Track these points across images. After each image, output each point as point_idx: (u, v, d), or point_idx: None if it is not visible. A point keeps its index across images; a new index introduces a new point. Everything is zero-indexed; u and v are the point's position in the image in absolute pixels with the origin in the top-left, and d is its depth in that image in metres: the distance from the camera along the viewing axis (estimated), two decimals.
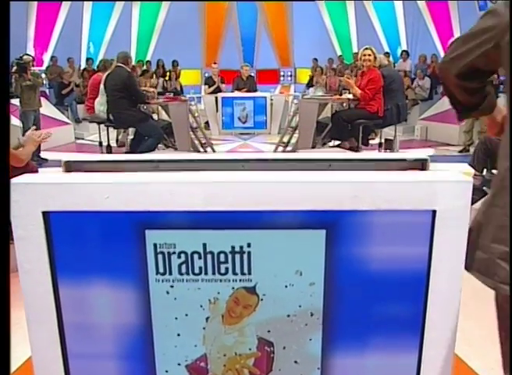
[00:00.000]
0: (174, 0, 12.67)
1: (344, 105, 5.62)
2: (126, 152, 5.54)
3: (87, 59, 11.47)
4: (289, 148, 6.01)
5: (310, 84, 12.65)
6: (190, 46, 13.49)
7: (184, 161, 1.22)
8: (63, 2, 11.54)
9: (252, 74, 9.44)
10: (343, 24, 12.96)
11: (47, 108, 8.88)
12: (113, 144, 6.36)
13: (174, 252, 1.01)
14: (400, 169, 1.21)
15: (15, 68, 6.56)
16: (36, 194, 0.97)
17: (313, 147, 5.78)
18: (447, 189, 0.94)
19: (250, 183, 0.95)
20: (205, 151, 5.90)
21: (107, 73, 5.59)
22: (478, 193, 4.19)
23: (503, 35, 1.12)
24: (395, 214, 0.97)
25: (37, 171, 3.09)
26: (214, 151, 5.85)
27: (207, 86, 8.64)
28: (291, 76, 14.10)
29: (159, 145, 5.80)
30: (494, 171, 4.17)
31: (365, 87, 5.18)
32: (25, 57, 6.88)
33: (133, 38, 12.95)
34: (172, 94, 5.94)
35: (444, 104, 9.62)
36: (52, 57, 11.03)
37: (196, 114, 8.04)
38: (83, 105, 8.54)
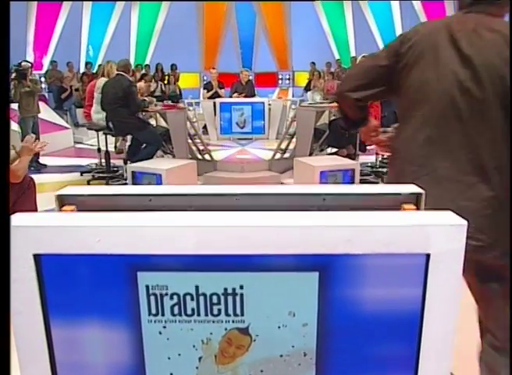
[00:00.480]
0: (173, 0, 12.64)
1: None
2: (124, 160, 5.54)
3: (86, 63, 11.47)
4: (286, 155, 6.01)
5: (308, 88, 12.67)
6: (189, 50, 13.50)
7: (177, 195, 1.21)
8: (62, 6, 11.54)
9: (251, 79, 9.43)
10: (341, 28, 12.98)
11: (46, 113, 8.88)
12: (111, 145, 6.36)
13: (166, 294, 1.00)
14: (395, 203, 1.20)
15: (14, 74, 6.56)
16: (27, 237, 0.96)
17: (310, 154, 5.79)
18: (441, 233, 0.93)
19: (242, 227, 0.94)
20: (203, 158, 5.90)
21: (106, 81, 5.58)
22: None
23: (395, 69, 1.50)
24: (389, 257, 0.96)
25: (34, 185, 3.08)
26: (212, 158, 5.85)
27: (205, 91, 8.66)
28: (289, 79, 14.14)
29: (158, 151, 5.81)
30: None
31: None
32: (24, 63, 6.88)
33: (132, 42, 12.96)
34: (169, 102, 5.90)
35: None
36: (52, 62, 11.04)
37: (194, 119, 8.05)
38: (82, 109, 8.53)
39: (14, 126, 6.99)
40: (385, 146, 1.70)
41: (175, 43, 13.28)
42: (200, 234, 0.94)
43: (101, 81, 5.77)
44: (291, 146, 6.06)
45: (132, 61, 12.90)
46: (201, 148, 5.86)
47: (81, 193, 1.22)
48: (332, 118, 5.92)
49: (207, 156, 5.87)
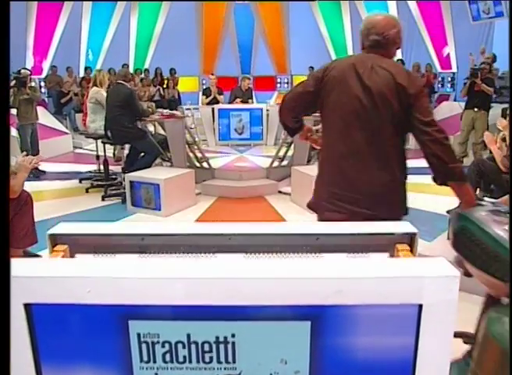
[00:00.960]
0: (173, 0, 12.60)
1: None
2: (122, 168, 5.52)
3: (86, 68, 11.44)
4: (284, 163, 6.00)
5: None
6: (188, 54, 13.47)
7: (169, 235, 1.19)
8: (62, 10, 11.48)
9: (251, 87, 9.41)
10: (339, 32, 12.96)
11: (45, 118, 8.86)
12: (110, 150, 6.34)
13: (158, 342, 0.99)
14: (388, 243, 1.19)
15: (14, 82, 6.54)
16: (17, 287, 0.95)
17: (308, 161, 5.77)
18: (434, 284, 0.92)
19: (233, 279, 0.93)
20: (201, 166, 5.88)
21: (107, 90, 5.57)
22: None
23: (319, 93, 2.07)
24: (380, 307, 0.94)
25: (31, 200, 3.06)
26: (210, 166, 5.83)
27: (204, 97, 8.64)
28: (288, 83, 14.11)
29: (156, 159, 5.80)
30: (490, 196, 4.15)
31: None
32: (23, 71, 6.87)
33: (132, 46, 12.92)
34: (168, 110, 5.88)
35: (437, 114, 9.60)
36: (52, 66, 11.00)
37: (192, 125, 8.03)
38: (82, 113, 8.51)
39: (13, 132, 6.98)
40: (317, 142, 2.31)
41: (174, 47, 13.24)
42: (191, 286, 0.93)
43: (94, 91, 5.75)
44: (289, 153, 6.05)
45: (131, 65, 12.90)
46: (199, 155, 5.84)
47: (74, 232, 1.21)
48: None
49: (205, 164, 5.85)
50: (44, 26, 11.33)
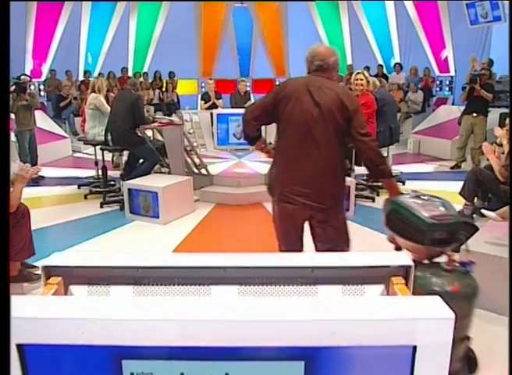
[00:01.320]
0: (173, 0, 12.56)
1: None
2: (121, 175, 5.51)
3: (85, 72, 11.41)
4: None
5: None
6: (187, 56, 13.42)
7: (164, 267, 1.18)
8: (61, 13, 11.44)
9: (249, 90, 9.39)
10: (337, 36, 12.93)
11: (44, 122, 8.84)
12: (109, 155, 6.32)
13: None
14: (384, 275, 1.18)
15: (13, 87, 6.53)
16: (10, 327, 0.94)
17: None
18: (428, 326, 0.92)
19: (228, 321, 0.92)
20: (200, 173, 5.87)
21: (115, 95, 5.58)
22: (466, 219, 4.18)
23: (277, 106, 2.50)
24: (375, 348, 0.94)
25: (28, 213, 3.05)
26: (208, 172, 5.81)
27: (203, 101, 8.60)
28: None
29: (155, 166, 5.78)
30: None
31: None
32: (22, 77, 6.87)
33: (131, 49, 12.88)
34: (167, 117, 5.86)
35: (435, 118, 9.63)
36: (51, 70, 10.95)
37: (191, 130, 8.01)
38: (80, 118, 8.47)
39: (11, 137, 6.98)
40: (270, 153, 2.73)
41: (173, 50, 13.20)
42: (185, 328, 0.92)
43: (92, 97, 5.73)
44: None
45: (130, 68, 12.87)
46: (198, 162, 5.83)
47: (68, 264, 1.20)
48: None
49: (203, 171, 5.84)
50: (43, 29, 11.28)
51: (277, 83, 14.21)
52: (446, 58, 11.45)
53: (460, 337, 2.07)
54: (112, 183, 6.16)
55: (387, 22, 12.02)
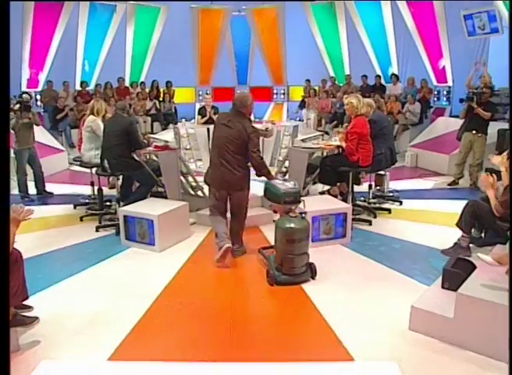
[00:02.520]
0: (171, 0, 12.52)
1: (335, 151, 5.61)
2: (117, 199, 5.47)
3: (81, 83, 11.37)
4: None
5: (302, 105, 12.62)
6: (185, 64, 13.43)
7: None
8: (58, 22, 11.38)
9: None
10: (335, 45, 12.91)
11: (42, 135, 8.80)
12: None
13: None
14: None
15: (17, 106, 6.53)
16: None
17: (303, 188, 5.73)
18: None
19: None
20: (196, 195, 5.85)
21: (107, 120, 5.54)
22: (464, 252, 4.16)
23: (213, 131, 4.64)
24: None
25: (21, 257, 3.02)
26: (204, 194, 5.79)
27: (200, 116, 8.55)
28: (284, 93, 14.09)
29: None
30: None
31: (348, 138, 5.18)
32: (25, 96, 6.91)
33: (128, 57, 12.87)
34: (161, 142, 5.83)
35: (433, 130, 9.60)
36: (48, 81, 10.90)
37: (188, 146, 7.97)
38: (78, 129, 8.44)
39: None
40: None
41: (170, 58, 13.17)
42: None
43: (90, 119, 5.68)
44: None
45: (127, 77, 12.83)
46: (194, 184, 5.80)
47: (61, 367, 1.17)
48: (326, 155, 5.89)
49: (199, 193, 5.81)
50: (40, 38, 11.23)
51: (275, 91, 14.21)
52: (444, 68, 11.43)
53: (303, 252, 3.94)
54: (108, 203, 6.14)
55: (384, 31, 11.99)
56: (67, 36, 11.50)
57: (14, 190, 6.91)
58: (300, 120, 13.30)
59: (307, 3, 12.71)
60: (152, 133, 11.27)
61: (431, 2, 10.69)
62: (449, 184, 7.49)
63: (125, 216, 4.86)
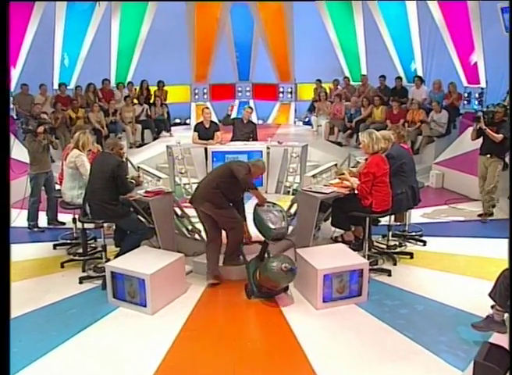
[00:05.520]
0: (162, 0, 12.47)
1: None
2: (115, 242, 5.56)
3: (60, 85, 11.32)
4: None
5: (312, 109, 12.60)
6: (178, 59, 13.41)
7: None
8: (32, 13, 11.29)
9: (254, 122, 9.32)
10: (351, 40, 12.83)
11: (18, 151, 8.78)
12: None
13: None
14: None
15: (42, 128, 6.81)
16: None
17: (315, 227, 5.74)
18: None
19: None
20: (193, 237, 5.90)
21: (94, 160, 5.58)
22: (498, 327, 4.17)
23: None
24: None
25: None
26: (201, 238, 5.84)
27: (196, 133, 8.53)
28: (291, 92, 14.03)
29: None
30: None
31: (361, 179, 5.25)
32: (43, 115, 7.10)
33: (113, 53, 12.77)
34: (154, 188, 5.85)
35: (462, 144, 9.50)
36: (22, 85, 10.85)
37: (183, 170, 8.00)
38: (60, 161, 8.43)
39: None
40: None
41: (162, 52, 13.16)
42: None
43: (74, 154, 5.69)
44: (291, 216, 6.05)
45: (113, 75, 12.78)
46: (190, 227, 5.85)
47: None
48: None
49: (196, 236, 5.86)
50: (11, 33, 11.16)
51: (281, 89, 14.16)
52: (476, 65, 11.32)
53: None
54: (93, 245, 6.20)
55: (408, 24, 11.88)
56: (42, 30, 11.38)
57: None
58: (308, 123, 13.31)
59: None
60: (143, 143, 11.31)
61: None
62: (479, 215, 7.49)
63: (112, 273, 4.90)
